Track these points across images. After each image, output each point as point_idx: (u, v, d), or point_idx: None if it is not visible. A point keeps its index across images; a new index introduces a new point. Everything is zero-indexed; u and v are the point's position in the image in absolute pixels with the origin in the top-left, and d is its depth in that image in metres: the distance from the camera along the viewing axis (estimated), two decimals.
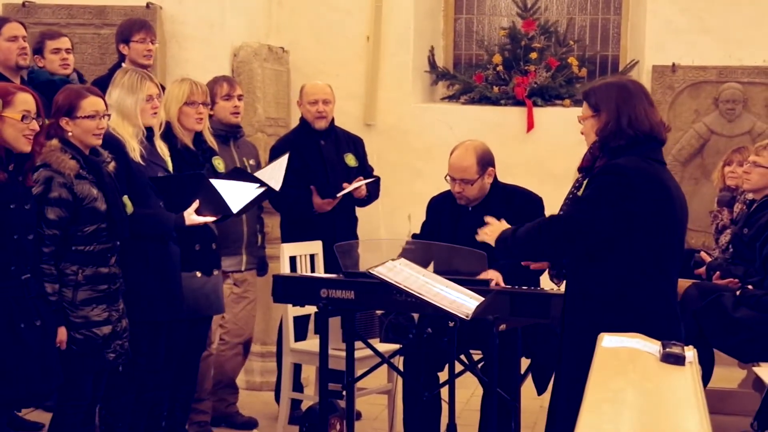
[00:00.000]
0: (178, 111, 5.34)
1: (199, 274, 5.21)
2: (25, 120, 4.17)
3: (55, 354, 4.33)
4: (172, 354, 5.14)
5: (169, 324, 5.05)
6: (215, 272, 5.34)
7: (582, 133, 4.10)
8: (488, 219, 4.32)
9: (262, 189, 5.26)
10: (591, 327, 3.59)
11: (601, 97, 3.97)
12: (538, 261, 4.25)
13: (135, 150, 4.92)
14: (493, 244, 4.19)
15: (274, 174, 5.41)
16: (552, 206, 5.28)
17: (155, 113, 5.05)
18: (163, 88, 5.36)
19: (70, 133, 4.51)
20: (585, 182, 3.95)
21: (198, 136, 5.46)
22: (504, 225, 4.23)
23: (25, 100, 4.21)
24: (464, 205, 5.33)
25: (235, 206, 5.11)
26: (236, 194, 5.14)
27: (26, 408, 5.61)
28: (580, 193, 3.95)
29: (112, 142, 4.83)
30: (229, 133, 5.93)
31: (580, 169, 4.07)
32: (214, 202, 5.03)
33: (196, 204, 4.97)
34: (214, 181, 5.07)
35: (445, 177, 5.31)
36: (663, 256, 3.94)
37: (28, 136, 4.18)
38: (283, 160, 5.58)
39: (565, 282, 4.13)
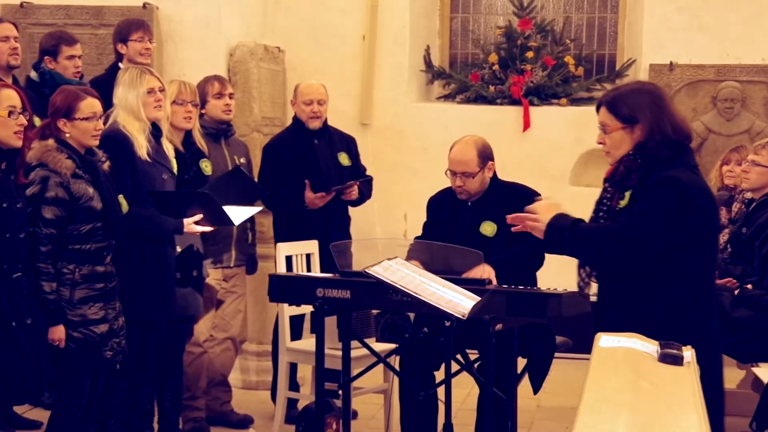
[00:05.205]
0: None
1: (178, 275, 5.23)
2: (12, 116, 4.22)
3: (47, 351, 4.36)
4: (156, 352, 5.20)
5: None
6: (194, 273, 5.37)
7: (601, 143, 3.93)
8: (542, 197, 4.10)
9: (261, 208, 5.55)
10: None
11: (635, 107, 3.80)
12: (588, 266, 3.98)
13: (142, 147, 5.01)
14: (544, 220, 3.89)
15: (241, 213, 5.41)
16: None
17: (158, 106, 5.09)
18: None
19: (67, 135, 4.55)
20: (628, 194, 3.79)
21: (187, 138, 5.56)
22: (557, 203, 3.97)
23: (9, 96, 4.26)
24: (463, 201, 5.33)
25: (237, 219, 5.25)
26: (238, 210, 5.26)
27: (16, 405, 5.63)
28: (622, 204, 3.80)
29: (120, 139, 4.92)
30: (220, 132, 5.97)
31: (609, 181, 3.91)
32: (216, 216, 5.14)
33: (198, 217, 5.08)
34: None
35: (446, 172, 5.31)
36: (710, 266, 3.87)
37: (18, 131, 4.21)
38: (254, 209, 5.60)
39: (597, 297, 3.98)
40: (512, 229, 4.09)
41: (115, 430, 4.97)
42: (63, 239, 4.47)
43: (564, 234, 3.85)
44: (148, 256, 4.99)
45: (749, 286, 5.44)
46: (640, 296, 3.78)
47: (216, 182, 5.42)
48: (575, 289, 4.33)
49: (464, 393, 6.29)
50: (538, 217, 3.93)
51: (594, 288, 4.02)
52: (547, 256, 4.91)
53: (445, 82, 8.53)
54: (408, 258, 4.95)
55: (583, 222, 3.90)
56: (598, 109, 3.95)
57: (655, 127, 3.77)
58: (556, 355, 5.18)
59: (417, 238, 5.56)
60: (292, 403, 6.14)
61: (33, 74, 6.08)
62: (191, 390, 5.78)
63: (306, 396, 6.07)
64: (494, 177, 5.34)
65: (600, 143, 3.96)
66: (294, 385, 6.15)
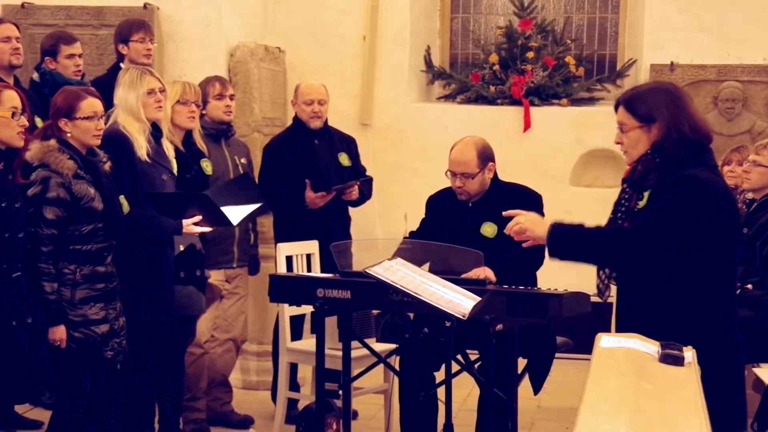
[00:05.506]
0: (171, 110, 5.40)
1: (182, 274, 5.24)
2: (15, 117, 4.27)
3: (47, 351, 4.38)
4: (157, 352, 5.22)
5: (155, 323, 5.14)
6: (197, 273, 5.37)
7: (618, 143, 3.90)
8: (512, 212, 4.02)
9: (260, 205, 5.43)
10: None
11: (653, 106, 3.76)
12: (602, 268, 3.93)
13: (142, 148, 5.03)
14: (535, 231, 3.87)
15: (239, 213, 5.41)
16: (550, 205, 5.27)
17: (159, 107, 5.11)
18: None
19: (69, 134, 4.56)
20: (647, 194, 3.76)
21: (188, 138, 5.57)
22: (536, 215, 3.97)
23: (12, 97, 4.31)
24: (464, 202, 5.32)
25: (235, 219, 5.25)
26: (236, 210, 5.25)
27: (17, 405, 5.65)
28: (641, 204, 3.77)
29: (120, 139, 4.94)
30: (221, 132, 5.98)
31: (627, 182, 3.88)
32: (215, 217, 5.15)
33: (197, 218, 5.09)
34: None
35: (446, 172, 5.31)
36: (731, 268, 3.84)
37: (20, 132, 4.27)
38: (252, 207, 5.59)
39: (616, 299, 3.94)
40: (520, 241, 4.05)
41: (116, 430, 4.98)
42: (64, 240, 4.48)
43: (572, 237, 3.82)
44: (147, 256, 5.01)
45: (750, 287, 5.43)
46: (659, 299, 3.75)
47: (223, 187, 5.41)
48: (577, 289, 4.34)
49: (464, 393, 6.28)
50: (525, 226, 3.91)
51: (613, 291, 4.00)
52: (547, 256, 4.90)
53: (446, 82, 8.53)
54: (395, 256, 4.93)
55: (582, 226, 3.86)
56: (616, 109, 3.92)
57: (672, 126, 3.73)
58: (557, 355, 5.17)
59: (412, 233, 5.56)
60: (292, 403, 6.14)
61: (35, 75, 6.11)
62: (192, 391, 5.78)
63: (306, 396, 6.06)
64: (495, 178, 5.33)
65: (618, 143, 3.93)
66: (294, 386, 6.15)
